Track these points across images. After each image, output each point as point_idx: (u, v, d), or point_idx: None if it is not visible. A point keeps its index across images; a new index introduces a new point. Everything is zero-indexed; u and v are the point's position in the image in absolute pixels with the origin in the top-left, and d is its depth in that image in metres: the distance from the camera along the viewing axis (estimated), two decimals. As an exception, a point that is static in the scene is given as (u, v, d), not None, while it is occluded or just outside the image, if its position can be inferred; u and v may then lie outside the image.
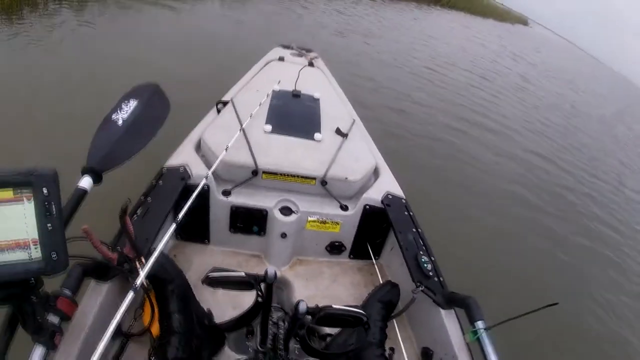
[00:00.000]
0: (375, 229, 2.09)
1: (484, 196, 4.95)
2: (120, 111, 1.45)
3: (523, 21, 50.26)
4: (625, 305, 4.09)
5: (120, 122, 1.42)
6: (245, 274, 1.14)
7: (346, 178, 2.00)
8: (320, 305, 1.17)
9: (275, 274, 1.11)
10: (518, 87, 12.26)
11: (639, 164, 9.74)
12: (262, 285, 1.14)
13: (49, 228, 0.73)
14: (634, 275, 4.75)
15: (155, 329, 1.33)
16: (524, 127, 8.49)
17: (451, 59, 12.24)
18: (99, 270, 1.25)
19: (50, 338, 0.94)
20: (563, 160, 7.43)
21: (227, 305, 1.70)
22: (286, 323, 1.67)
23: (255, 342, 1.58)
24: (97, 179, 1.25)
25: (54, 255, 0.74)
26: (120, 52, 5.53)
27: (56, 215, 0.74)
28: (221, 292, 1.74)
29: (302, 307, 1.10)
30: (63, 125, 3.53)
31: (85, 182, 1.21)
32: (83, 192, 1.19)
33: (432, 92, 8.46)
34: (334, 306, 1.13)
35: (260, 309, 1.25)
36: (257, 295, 1.17)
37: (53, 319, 0.99)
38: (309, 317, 1.12)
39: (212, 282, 1.16)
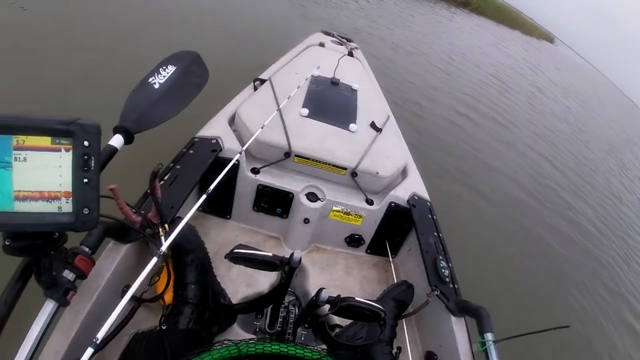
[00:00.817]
0: (396, 227, 2.08)
1: (500, 205, 4.93)
2: (157, 75, 1.43)
3: (550, 38, 50.14)
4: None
5: (157, 85, 1.39)
6: (272, 254, 1.12)
7: (377, 173, 1.98)
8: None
9: (300, 259, 1.09)
10: (532, 95, 12.42)
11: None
12: (286, 268, 1.13)
13: (85, 182, 0.70)
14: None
15: (168, 297, 1.32)
16: (530, 130, 8.75)
17: (471, 59, 12.50)
18: (120, 232, 1.24)
19: (63, 295, 0.92)
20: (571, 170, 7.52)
21: (241, 283, 1.71)
22: (296, 308, 1.67)
23: (264, 323, 1.58)
24: (128, 139, 1.22)
25: (85, 211, 0.71)
26: (160, 21, 5.55)
27: (94, 170, 0.71)
28: (236, 269, 1.75)
29: (324, 296, 1.09)
30: (96, 85, 3.53)
31: (116, 140, 1.19)
32: (113, 150, 1.16)
33: (448, 85, 8.82)
34: (357, 298, 1.12)
35: (281, 293, 1.24)
36: (282, 277, 1.16)
37: (69, 275, 0.97)
38: (328, 305, 1.11)
39: (236, 258, 1.13)
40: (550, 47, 41.58)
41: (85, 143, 0.68)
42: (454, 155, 5.59)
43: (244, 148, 1.70)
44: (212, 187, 1.27)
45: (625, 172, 10.46)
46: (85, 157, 0.69)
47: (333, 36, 3.80)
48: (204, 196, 1.22)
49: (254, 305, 1.41)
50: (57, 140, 0.67)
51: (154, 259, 0.91)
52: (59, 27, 4.31)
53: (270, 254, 1.12)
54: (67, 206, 0.70)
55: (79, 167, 0.68)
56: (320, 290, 1.09)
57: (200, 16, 6.34)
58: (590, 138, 11.32)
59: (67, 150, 0.68)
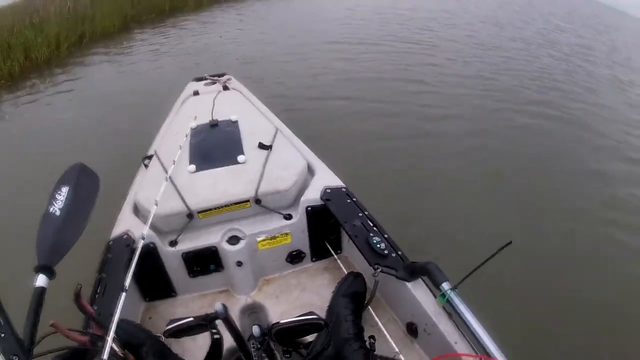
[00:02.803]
0: (325, 226, 2.14)
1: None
2: (55, 202, 1.48)
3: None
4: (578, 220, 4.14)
5: (57, 212, 1.45)
6: (194, 317, 1.13)
7: (278, 189, 2.05)
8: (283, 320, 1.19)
9: (224, 307, 1.10)
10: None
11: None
12: (221, 321, 1.14)
13: (2, 337, 0.89)
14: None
15: None
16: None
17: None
18: (78, 356, 1.29)
19: None
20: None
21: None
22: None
23: None
24: (50, 274, 1.29)
25: (14, 359, 0.88)
26: (35, 143, 5.35)
27: (4, 325, 0.91)
28: (200, 338, 1.68)
29: (256, 331, 1.15)
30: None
31: (41, 280, 1.26)
32: (41, 291, 1.23)
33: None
34: (282, 321, 1.17)
35: (219, 347, 1.24)
36: (212, 334, 1.17)
37: None
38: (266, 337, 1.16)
39: (173, 334, 1.14)
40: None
41: None
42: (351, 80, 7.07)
43: (145, 231, 1.73)
44: (128, 280, 1.32)
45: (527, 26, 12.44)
46: None
47: (205, 79, 3.77)
48: (123, 293, 1.26)
49: None
50: None
51: None
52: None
53: (191, 318, 1.13)
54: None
55: None
56: (252, 328, 1.15)
57: (72, 122, 5.96)
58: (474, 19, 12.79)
59: None
